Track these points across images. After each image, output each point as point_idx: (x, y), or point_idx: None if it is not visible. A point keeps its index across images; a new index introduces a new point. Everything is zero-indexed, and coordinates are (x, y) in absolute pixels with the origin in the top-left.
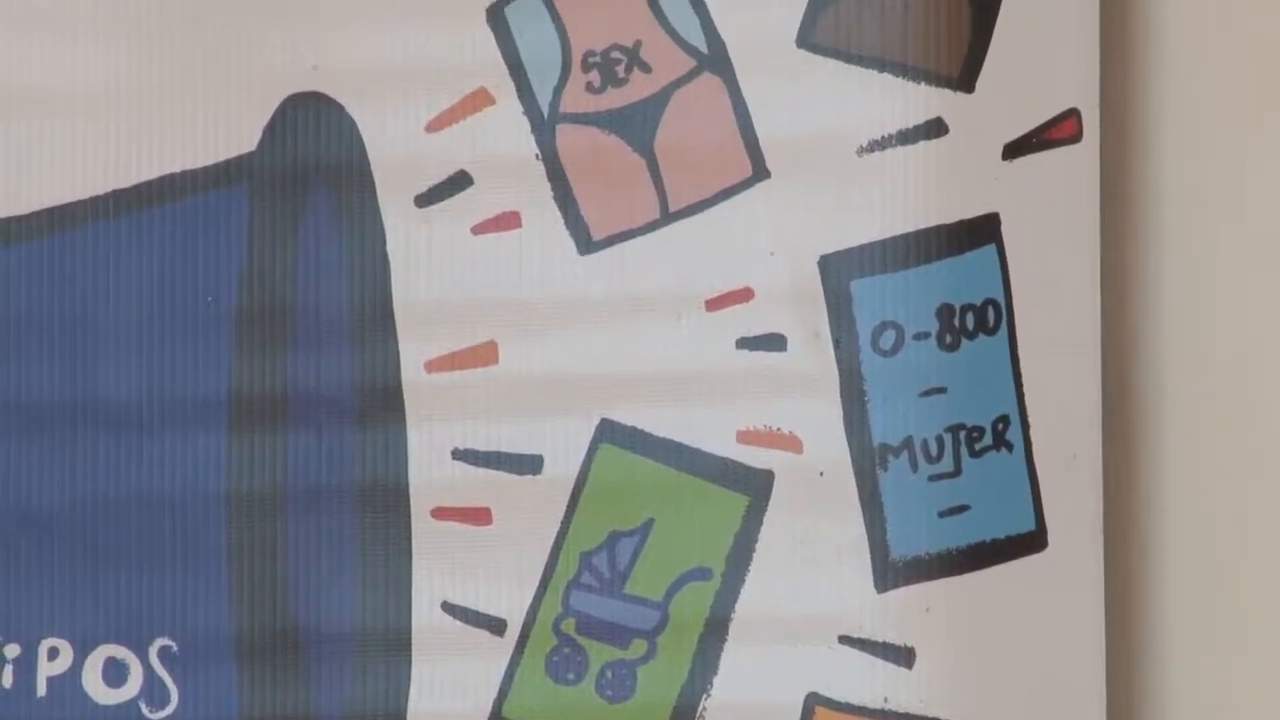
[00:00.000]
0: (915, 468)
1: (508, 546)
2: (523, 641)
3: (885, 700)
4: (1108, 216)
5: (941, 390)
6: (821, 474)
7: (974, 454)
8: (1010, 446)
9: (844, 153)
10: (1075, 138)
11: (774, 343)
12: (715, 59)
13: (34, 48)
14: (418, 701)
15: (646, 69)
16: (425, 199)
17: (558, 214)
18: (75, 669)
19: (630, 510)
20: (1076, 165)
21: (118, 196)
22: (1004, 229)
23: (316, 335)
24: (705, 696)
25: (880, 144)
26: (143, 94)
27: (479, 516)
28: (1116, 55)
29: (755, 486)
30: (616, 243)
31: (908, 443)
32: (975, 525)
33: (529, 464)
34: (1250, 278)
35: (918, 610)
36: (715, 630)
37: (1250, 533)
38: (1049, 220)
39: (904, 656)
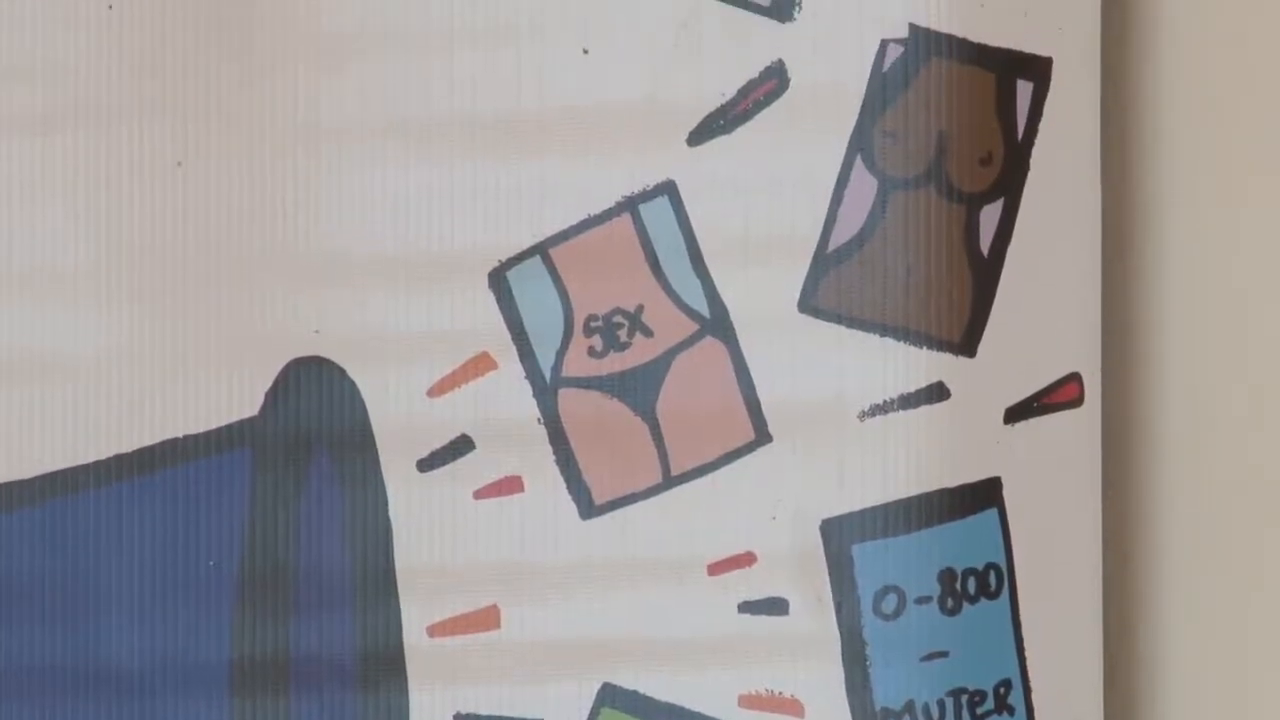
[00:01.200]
0: None
1: None
2: None
3: None
4: (1109, 480)
5: (943, 654)
6: None
7: (976, 718)
8: (1012, 711)
9: (846, 417)
10: (1077, 402)
11: (776, 607)
12: (717, 323)
13: (36, 311)
14: None
15: (648, 333)
16: (427, 463)
17: (560, 478)
18: None
19: None
20: (1078, 429)
21: (120, 461)
22: (1005, 493)
23: (318, 599)
24: None
25: (882, 408)
26: (144, 358)
27: None
28: (1119, 319)
29: None
30: (618, 507)
31: (909, 707)
32: None
33: None
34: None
35: None
36: None
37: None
38: (1050, 484)
39: None
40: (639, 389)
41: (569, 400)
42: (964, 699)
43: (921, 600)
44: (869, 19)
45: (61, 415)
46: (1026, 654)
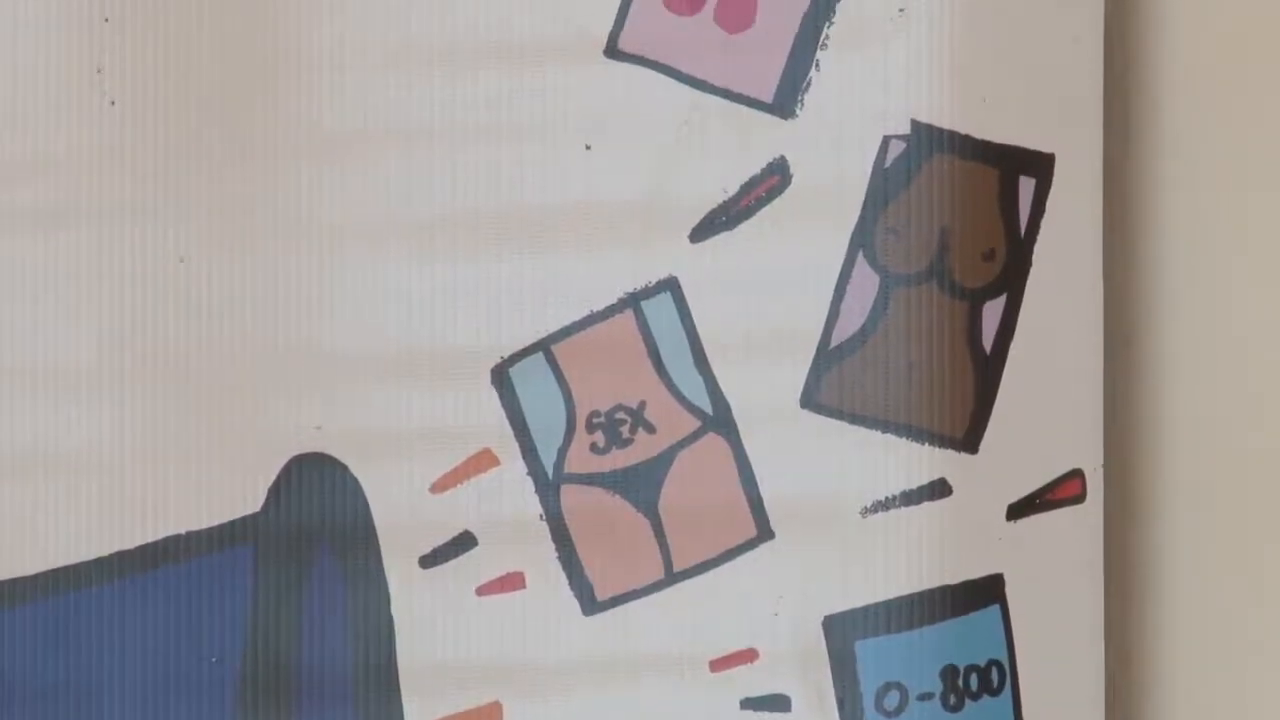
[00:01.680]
0: None
1: None
2: None
3: None
4: (1111, 577)
5: None
6: None
7: None
8: None
9: (848, 513)
10: (1079, 498)
11: (778, 703)
12: (719, 419)
13: (39, 406)
14: None
15: (651, 429)
16: (430, 560)
17: (562, 575)
18: None
19: None
20: (1080, 526)
21: (122, 558)
22: (1008, 590)
23: (320, 696)
24: None
25: (884, 504)
26: (146, 454)
27: None
28: (1121, 415)
29: None
30: (621, 603)
31: None
32: None
33: None
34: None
35: None
36: None
37: None
38: (1053, 581)
39: None
40: (641, 485)
41: (571, 496)
42: None
43: (924, 697)
44: (871, 115)
45: (63, 511)
46: None
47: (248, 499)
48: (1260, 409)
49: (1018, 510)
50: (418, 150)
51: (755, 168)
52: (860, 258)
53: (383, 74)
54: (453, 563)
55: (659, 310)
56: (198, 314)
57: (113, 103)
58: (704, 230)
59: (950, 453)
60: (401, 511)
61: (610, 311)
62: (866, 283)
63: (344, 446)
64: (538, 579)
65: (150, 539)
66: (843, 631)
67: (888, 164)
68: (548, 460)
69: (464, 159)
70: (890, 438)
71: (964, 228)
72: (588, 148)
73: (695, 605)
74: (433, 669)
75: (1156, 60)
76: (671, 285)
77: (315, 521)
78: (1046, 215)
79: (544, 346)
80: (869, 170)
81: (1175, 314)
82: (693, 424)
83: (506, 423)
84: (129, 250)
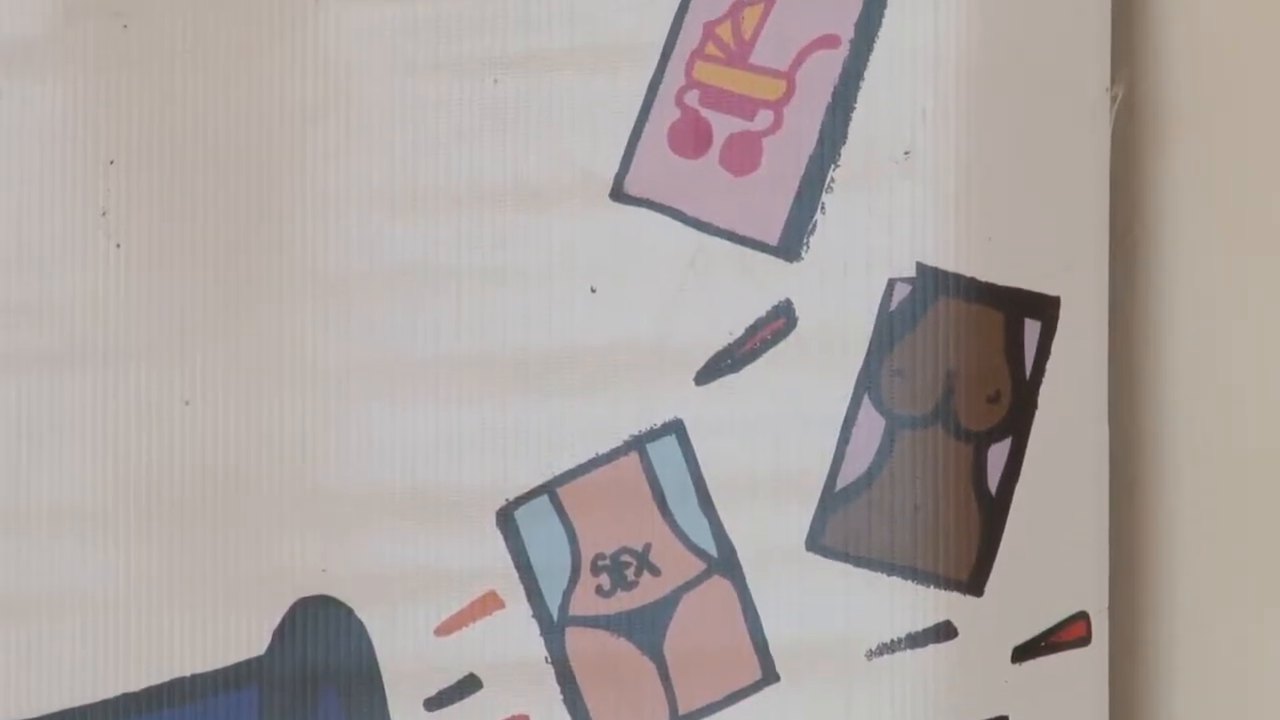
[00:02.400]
0: None
1: None
2: None
3: None
4: (1117, 717)
5: None
6: None
7: None
8: None
9: (853, 656)
10: (1084, 641)
11: None
12: (724, 562)
13: (44, 548)
14: None
15: (656, 572)
16: (435, 702)
17: (567, 717)
18: None
19: None
20: (1086, 668)
21: (127, 700)
22: None
23: None
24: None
25: (889, 647)
26: (152, 596)
27: None
28: (1126, 558)
29: None
30: None
31: None
32: None
33: None
34: None
35: None
36: None
37: None
38: None
39: None
40: (646, 628)
41: (576, 639)
42: None
43: None
44: (876, 258)
45: (69, 653)
46: None
47: (253, 641)
48: (1266, 548)
49: (1023, 653)
50: (423, 292)
51: (761, 310)
52: (866, 400)
53: (388, 216)
54: (458, 705)
55: (664, 453)
56: (203, 456)
57: (118, 245)
58: (709, 373)
59: (955, 595)
60: (406, 654)
61: (615, 454)
62: (872, 425)
63: (349, 588)
64: None
65: (155, 681)
66: None
67: (893, 306)
68: (553, 603)
69: (469, 301)
70: (896, 580)
71: (969, 370)
72: (593, 290)
73: None
74: None
75: (1160, 203)
76: (677, 428)
77: (320, 664)
78: (1052, 358)
79: (549, 489)
80: (874, 312)
81: (1180, 456)
82: (698, 566)
83: (511, 565)
84: (135, 392)
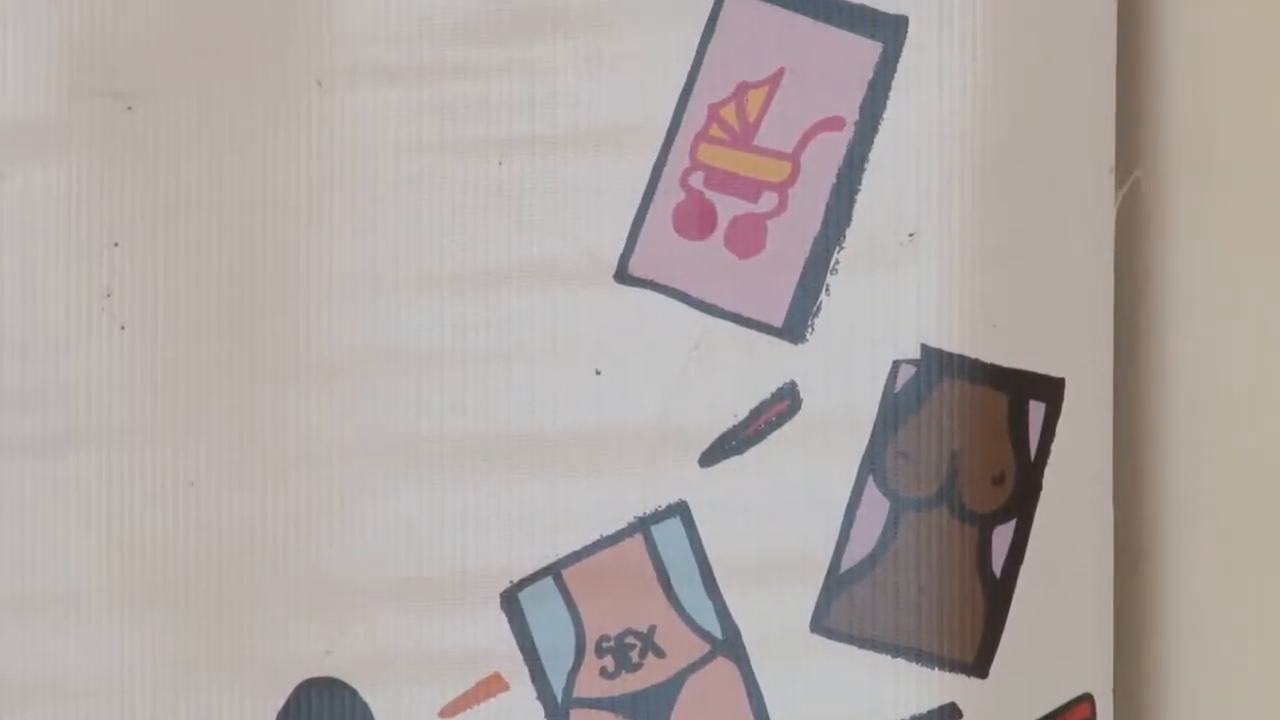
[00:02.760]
0: None
1: None
2: None
3: None
4: None
5: None
6: None
7: None
8: None
9: None
10: None
11: None
12: (729, 644)
13: (48, 631)
14: None
15: (660, 653)
16: None
17: None
18: None
19: None
20: None
21: None
22: None
23: None
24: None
25: None
26: (156, 679)
27: None
28: (1130, 640)
29: None
30: None
31: None
32: None
33: None
34: None
35: None
36: None
37: None
38: None
39: None
40: (651, 710)
41: None
42: None
43: None
44: (881, 340)
45: None
46: None
47: None
48: (1269, 627)
49: None
50: (427, 373)
51: (765, 392)
52: (870, 482)
53: (392, 297)
54: None
55: (668, 535)
56: (207, 538)
57: (122, 327)
58: (713, 455)
59: (960, 677)
60: None
61: (620, 536)
62: (877, 507)
63: (353, 671)
64: None
65: None
66: None
67: (898, 388)
68: (557, 684)
69: (474, 382)
70: (900, 662)
71: (974, 452)
72: (598, 372)
73: None
74: None
75: (1163, 284)
76: (681, 510)
77: None
78: (1056, 439)
79: (554, 571)
80: (879, 394)
81: (1182, 539)
82: (702, 648)
83: (516, 647)
84: (138, 474)
